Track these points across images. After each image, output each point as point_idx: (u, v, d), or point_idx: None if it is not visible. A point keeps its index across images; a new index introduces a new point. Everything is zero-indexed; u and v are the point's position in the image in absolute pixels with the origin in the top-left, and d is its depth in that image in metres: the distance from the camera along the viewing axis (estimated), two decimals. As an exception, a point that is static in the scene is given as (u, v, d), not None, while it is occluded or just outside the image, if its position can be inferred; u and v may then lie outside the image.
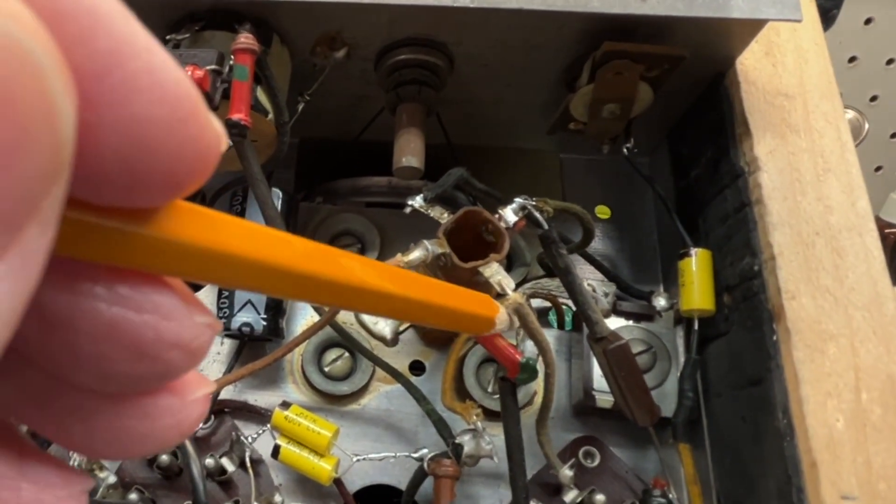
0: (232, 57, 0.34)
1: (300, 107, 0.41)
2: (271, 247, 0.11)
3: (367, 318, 0.43)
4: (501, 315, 0.19)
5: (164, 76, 0.08)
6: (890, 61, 0.88)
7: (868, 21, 0.85)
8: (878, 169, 0.95)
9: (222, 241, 0.10)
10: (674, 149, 0.45)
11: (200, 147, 0.09)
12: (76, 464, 0.39)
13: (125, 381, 0.10)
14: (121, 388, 0.10)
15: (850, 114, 0.91)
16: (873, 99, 0.91)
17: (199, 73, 0.33)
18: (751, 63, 0.37)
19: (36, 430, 0.10)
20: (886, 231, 0.87)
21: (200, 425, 0.39)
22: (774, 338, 0.31)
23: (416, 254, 0.33)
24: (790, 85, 0.36)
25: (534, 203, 0.35)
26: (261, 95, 0.37)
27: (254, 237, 0.11)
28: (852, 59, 0.87)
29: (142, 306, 0.10)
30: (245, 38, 0.34)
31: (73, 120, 0.08)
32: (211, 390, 0.12)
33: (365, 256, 0.14)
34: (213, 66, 0.33)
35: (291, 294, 0.12)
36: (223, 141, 0.10)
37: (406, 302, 0.14)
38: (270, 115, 0.37)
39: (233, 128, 0.33)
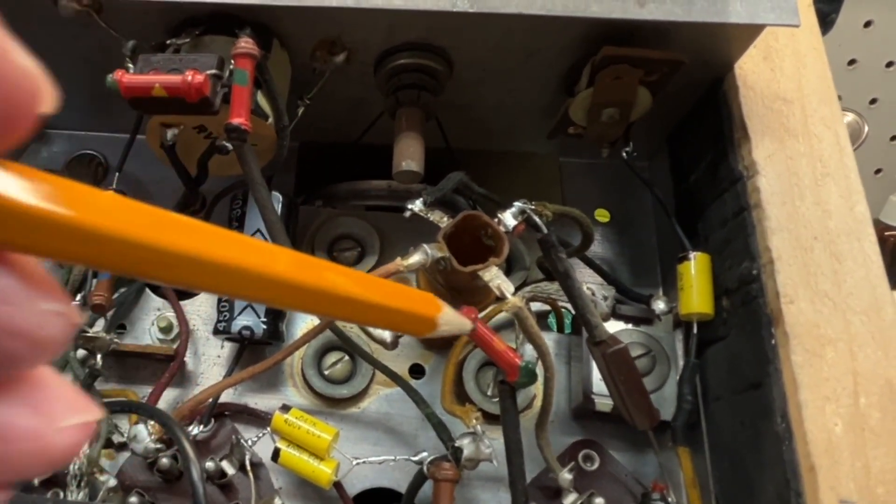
0: (232, 61, 0.34)
1: (300, 111, 0.41)
2: (113, 214, 0.09)
3: (366, 321, 0.43)
4: (446, 315, 0.18)
5: None
6: (889, 64, 0.88)
7: (868, 24, 0.85)
8: (877, 171, 0.95)
9: (65, 210, 0.09)
10: (673, 153, 0.45)
11: (5, 89, 0.08)
12: (75, 467, 0.40)
13: None
14: None
15: (850, 116, 0.91)
16: (873, 102, 0.91)
17: (200, 77, 0.33)
18: (749, 68, 0.37)
19: None
20: (886, 234, 0.87)
21: (201, 429, 0.40)
22: (773, 342, 0.31)
23: (415, 258, 0.33)
24: (788, 89, 0.36)
25: (533, 207, 0.35)
26: (261, 100, 0.37)
27: (116, 209, 0.09)
28: (852, 62, 0.88)
29: None
30: (245, 43, 0.34)
31: None
32: (90, 419, 0.10)
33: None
34: (213, 71, 0.33)
35: (156, 275, 0.10)
36: (37, 80, 0.08)
37: (323, 297, 0.13)
38: (270, 120, 0.37)
39: (233, 132, 0.34)
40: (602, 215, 0.48)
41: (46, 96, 0.09)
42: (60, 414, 0.10)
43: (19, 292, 0.09)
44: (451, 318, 0.17)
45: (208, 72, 0.33)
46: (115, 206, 0.09)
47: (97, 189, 0.09)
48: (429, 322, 0.16)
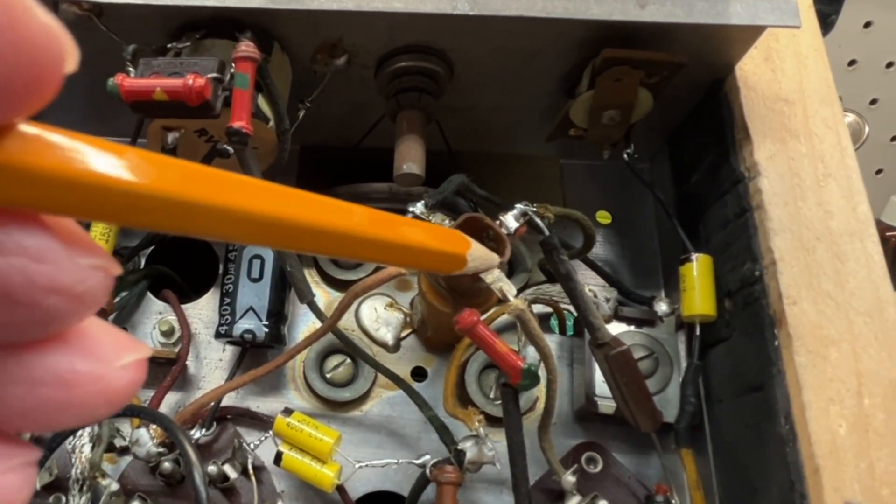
0: (233, 65, 0.34)
1: (301, 114, 0.41)
2: (147, 172, 0.09)
3: (369, 324, 0.43)
4: (475, 251, 0.18)
5: None
6: (889, 64, 0.88)
7: (867, 25, 0.85)
8: (878, 172, 0.95)
9: (82, 168, 0.09)
10: (674, 154, 0.45)
11: (21, 41, 0.08)
12: (77, 472, 0.40)
13: (2, 327, 0.09)
14: (1, 336, 0.09)
15: (851, 117, 0.91)
16: (873, 102, 0.91)
17: (201, 81, 0.33)
18: (750, 69, 0.37)
19: None
20: (888, 234, 0.87)
21: (203, 433, 0.40)
22: (776, 343, 0.31)
23: (417, 261, 0.33)
24: (790, 90, 0.36)
25: (535, 209, 0.35)
26: (262, 103, 0.37)
27: (129, 162, 0.09)
28: (852, 63, 0.88)
29: (4, 247, 0.09)
30: (246, 47, 0.34)
31: None
32: (143, 356, 0.11)
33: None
34: (214, 75, 0.33)
35: (185, 228, 0.10)
36: (59, 38, 0.08)
37: (359, 241, 0.13)
38: (271, 123, 0.37)
39: (234, 136, 0.34)
40: (603, 217, 0.48)
41: (70, 54, 0.09)
42: (115, 355, 0.10)
43: (58, 250, 0.09)
44: (479, 254, 0.17)
45: (209, 75, 0.33)
46: (178, 170, 0.10)
47: (160, 155, 0.10)
48: (459, 258, 0.17)
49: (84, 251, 0.09)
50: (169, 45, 0.36)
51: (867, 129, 0.93)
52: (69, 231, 0.09)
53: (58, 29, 0.08)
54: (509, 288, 0.32)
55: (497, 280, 0.32)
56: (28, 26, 0.08)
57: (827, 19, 0.42)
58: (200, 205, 0.10)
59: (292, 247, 0.12)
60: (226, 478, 0.38)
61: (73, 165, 0.09)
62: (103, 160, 0.09)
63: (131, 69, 0.35)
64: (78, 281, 0.09)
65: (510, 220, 0.34)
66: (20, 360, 0.10)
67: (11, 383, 0.10)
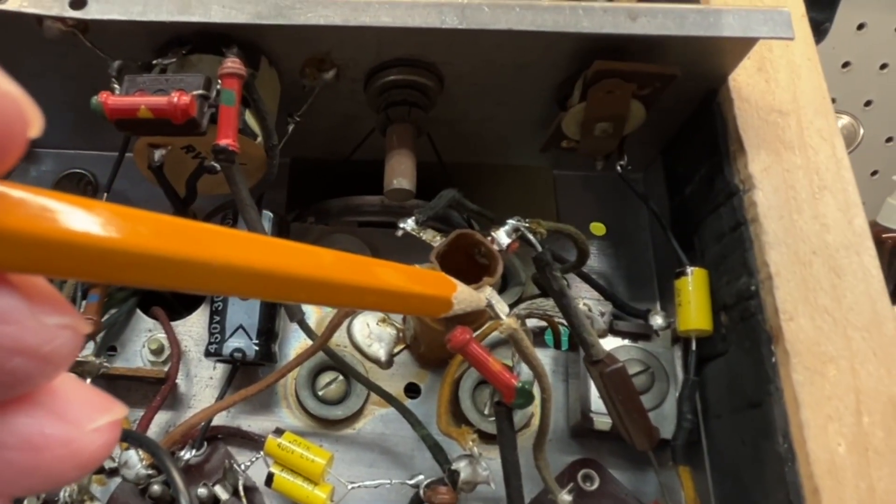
0: (219, 81, 0.34)
1: (290, 128, 0.40)
2: (119, 227, 0.09)
3: (361, 340, 0.43)
4: (461, 293, 0.18)
5: None
6: (883, 66, 0.88)
7: (861, 26, 0.85)
8: (873, 173, 0.95)
9: (50, 226, 0.09)
10: (668, 165, 0.44)
11: None
12: (65, 494, 0.39)
13: None
14: None
15: (845, 119, 0.91)
16: (868, 104, 0.91)
17: (186, 98, 0.32)
18: (743, 79, 0.37)
19: None
20: (884, 236, 0.86)
21: (194, 453, 0.39)
22: (773, 360, 0.31)
23: (408, 279, 0.33)
24: (784, 101, 0.36)
25: (527, 225, 0.34)
26: (249, 119, 0.36)
27: (109, 220, 0.09)
28: (846, 65, 0.87)
29: None
30: (232, 63, 0.33)
31: None
32: (117, 417, 0.11)
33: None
34: (199, 92, 0.33)
35: (156, 282, 0.10)
36: (28, 112, 0.08)
37: (331, 287, 0.13)
38: (259, 139, 0.37)
39: (220, 154, 0.33)
40: (597, 228, 0.47)
41: (34, 120, 0.09)
42: (87, 417, 0.10)
43: (22, 310, 0.09)
44: (465, 297, 0.17)
45: (195, 92, 0.33)
46: (150, 224, 0.10)
47: (130, 209, 0.10)
48: (444, 302, 0.17)
49: (51, 310, 0.09)
50: (154, 62, 0.36)
51: (862, 130, 0.93)
52: (36, 288, 0.09)
53: (22, 97, 0.08)
54: (501, 306, 0.32)
55: (489, 298, 0.32)
56: None
57: (820, 27, 0.42)
58: (173, 259, 0.10)
59: (264, 296, 0.12)
60: (216, 500, 0.38)
61: (41, 224, 0.08)
62: (73, 217, 0.09)
63: (116, 86, 0.34)
64: (44, 341, 0.09)
65: (502, 236, 0.34)
66: None
67: None
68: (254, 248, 0.11)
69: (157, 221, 0.10)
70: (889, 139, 0.95)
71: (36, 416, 0.10)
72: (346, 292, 0.13)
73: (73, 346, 0.10)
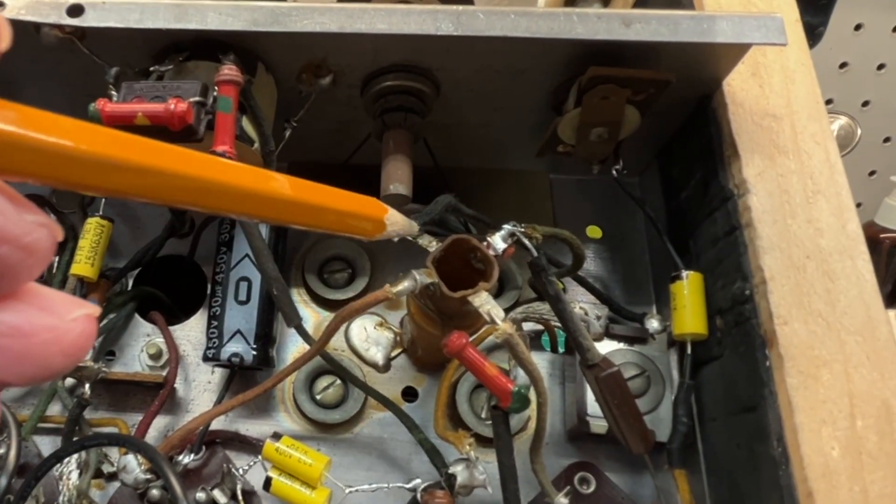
0: (216, 88, 0.34)
1: (287, 133, 0.40)
2: (80, 135, 0.11)
3: (359, 344, 0.43)
4: (392, 216, 0.19)
5: None
6: (881, 66, 0.88)
7: (858, 27, 0.85)
8: (871, 174, 0.95)
9: (32, 135, 0.10)
10: (663, 169, 0.44)
11: None
12: (64, 499, 0.39)
13: None
14: None
15: (843, 120, 0.91)
16: (865, 104, 0.91)
17: (183, 105, 0.32)
18: (738, 84, 0.37)
19: None
20: (882, 236, 0.86)
21: (192, 458, 0.39)
22: (767, 364, 0.31)
23: (404, 284, 0.33)
24: (777, 106, 0.36)
25: (523, 230, 0.35)
26: (246, 125, 0.36)
27: (68, 129, 0.10)
28: (843, 65, 0.88)
29: None
30: (228, 70, 0.34)
31: None
32: (93, 312, 0.12)
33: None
34: (196, 98, 0.33)
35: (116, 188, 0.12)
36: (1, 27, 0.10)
37: (282, 203, 0.14)
38: (256, 145, 0.37)
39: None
40: (594, 232, 0.47)
41: (4, 35, 0.10)
42: (66, 310, 0.11)
43: (6, 205, 0.10)
44: (397, 219, 0.18)
45: (192, 99, 0.33)
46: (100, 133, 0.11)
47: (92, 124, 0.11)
48: (377, 222, 0.17)
49: (29, 209, 0.10)
50: (151, 68, 0.36)
51: (859, 131, 0.93)
52: (14, 194, 0.10)
53: None
54: (497, 311, 0.32)
55: (485, 303, 0.32)
56: None
57: (815, 31, 0.42)
58: (124, 164, 0.11)
59: (208, 206, 0.13)
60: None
61: (23, 132, 0.10)
62: (45, 126, 0.10)
63: (113, 92, 0.35)
64: (25, 232, 0.10)
65: (498, 241, 0.34)
66: None
67: None
68: (201, 163, 0.13)
69: (117, 135, 0.11)
70: (887, 139, 0.95)
71: (22, 309, 0.11)
72: (285, 207, 0.14)
73: (51, 244, 0.11)
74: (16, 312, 0.11)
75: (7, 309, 0.11)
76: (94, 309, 0.12)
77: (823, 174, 0.34)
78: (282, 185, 0.14)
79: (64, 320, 0.11)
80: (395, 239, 0.19)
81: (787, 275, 0.32)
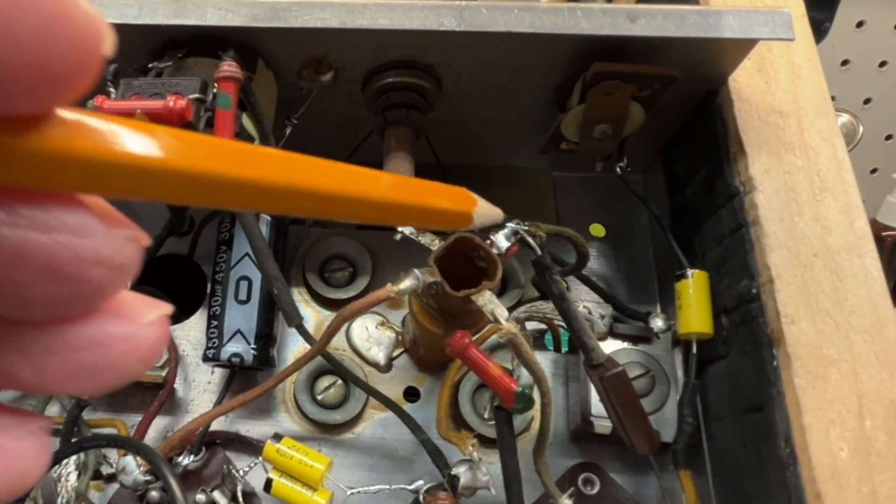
0: (216, 85, 0.33)
1: (288, 130, 0.40)
2: (177, 150, 0.10)
3: (360, 344, 0.43)
4: (481, 208, 0.18)
5: None
6: (883, 63, 0.87)
7: (860, 24, 0.85)
8: (873, 171, 0.95)
9: (117, 151, 0.09)
10: (668, 166, 0.44)
11: (68, 30, 0.08)
12: (63, 501, 0.39)
13: (49, 305, 0.10)
14: (48, 313, 0.10)
15: (845, 117, 0.91)
16: (867, 101, 0.91)
17: (182, 102, 0.32)
18: (743, 80, 0.36)
19: None
20: (884, 234, 0.86)
21: (192, 459, 0.39)
22: (774, 364, 0.31)
23: (406, 283, 0.32)
24: (784, 102, 0.36)
25: (526, 228, 0.34)
26: (246, 122, 0.36)
27: (168, 143, 0.10)
28: (845, 63, 0.87)
29: (49, 225, 0.09)
30: (228, 67, 0.33)
31: None
32: (166, 312, 0.12)
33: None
34: (196, 95, 0.33)
35: (207, 200, 0.11)
36: (100, 26, 0.09)
37: (366, 204, 0.13)
38: (256, 142, 0.37)
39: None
40: (597, 230, 0.47)
41: (108, 39, 0.09)
42: (140, 314, 0.11)
43: (97, 225, 0.10)
44: (485, 211, 0.17)
45: (191, 96, 0.32)
46: (201, 144, 0.10)
47: (186, 131, 0.11)
48: (465, 217, 0.17)
49: (118, 224, 0.10)
50: (150, 65, 0.35)
51: (861, 128, 0.93)
52: (102, 207, 0.10)
53: (98, 15, 0.09)
54: (501, 311, 0.31)
55: (488, 303, 0.32)
56: (73, 15, 0.08)
57: (820, 27, 0.41)
58: (226, 178, 0.11)
59: (291, 211, 0.13)
60: (215, 505, 0.37)
61: (112, 148, 0.09)
62: (138, 141, 0.10)
63: (112, 89, 0.34)
64: (116, 251, 0.10)
65: (501, 240, 0.34)
66: (56, 331, 0.10)
67: (50, 353, 0.10)
68: (300, 168, 0.12)
69: (213, 143, 0.11)
70: (889, 137, 0.95)
71: (99, 319, 0.11)
72: (361, 206, 0.13)
73: (138, 257, 0.10)
74: (93, 323, 0.11)
75: (85, 320, 0.11)
76: (167, 308, 0.12)
77: (831, 171, 0.34)
78: (385, 185, 0.13)
79: (140, 326, 0.11)
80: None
81: (794, 273, 0.32)
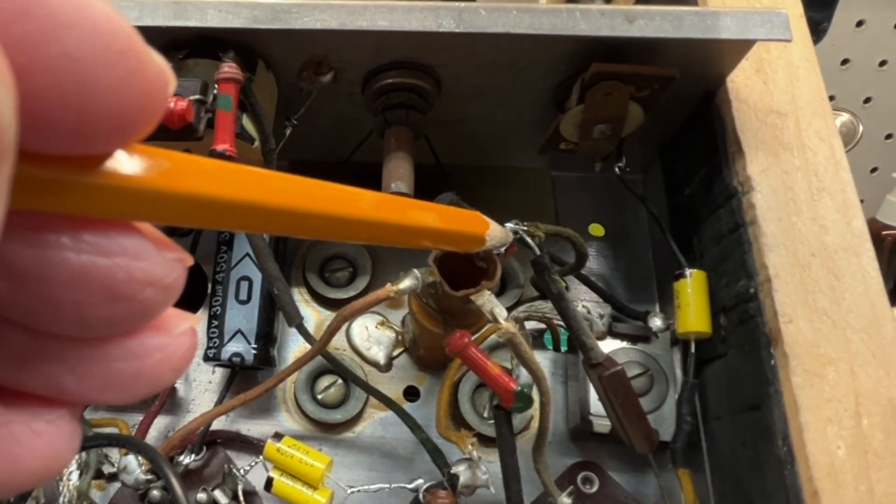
0: (216, 86, 0.34)
1: (288, 131, 0.40)
2: (235, 183, 0.11)
3: (360, 343, 0.43)
4: (493, 231, 0.18)
5: (91, 11, 0.08)
6: (882, 63, 0.88)
7: (860, 23, 0.85)
8: (873, 170, 0.95)
9: (182, 183, 0.10)
10: (667, 166, 0.44)
11: (143, 82, 0.09)
12: (65, 500, 0.39)
13: (105, 324, 0.10)
14: (102, 331, 0.11)
15: (845, 116, 0.91)
16: (867, 101, 0.91)
17: (183, 104, 0.32)
18: (742, 80, 0.37)
19: (24, 387, 0.11)
20: (884, 233, 0.86)
21: (193, 458, 0.39)
22: (772, 363, 0.31)
23: (406, 283, 0.33)
24: (782, 102, 0.36)
25: (525, 228, 0.34)
26: (246, 123, 0.36)
27: (218, 175, 0.11)
28: (845, 62, 0.87)
29: (110, 250, 0.10)
30: (228, 68, 0.33)
31: (12, 103, 0.08)
32: (195, 322, 0.12)
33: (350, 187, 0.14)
34: (196, 97, 0.33)
35: (260, 227, 0.12)
36: (169, 76, 0.10)
37: (382, 227, 0.14)
38: (257, 143, 0.37)
39: (218, 158, 0.33)
40: (596, 230, 0.47)
41: (173, 84, 0.10)
42: (173, 325, 0.12)
43: (150, 248, 0.10)
44: (496, 233, 0.18)
45: (191, 97, 0.33)
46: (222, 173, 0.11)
47: (201, 158, 0.11)
48: (477, 239, 0.17)
49: (167, 247, 0.11)
50: (151, 66, 0.36)
51: (861, 128, 0.93)
52: (153, 232, 0.11)
53: (166, 66, 0.10)
54: (500, 310, 0.32)
55: (487, 302, 0.32)
56: (149, 69, 0.09)
57: (819, 26, 0.41)
58: (218, 201, 0.11)
59: (307, 234, 0.13)
60: (216, 504, 0.38)
61: (168, 182, 0.10)
62: (193, 176, 0.10)
63: (112, 91, 0.34)
64: (167, 273, 0.11)
65: (500, 240, 0.34)
66: (102, 343, 0.11)
67: (90, 364, 0.11)
68: (297, 191, 0.13)
69: (260, 175, 0.12)
70: (888, 136, 0.95)
71: (142, 333, 0.11)
72: (381, 230, 0.14)
73: (184, 277, 0.11)
74: (133, 337, 0.11)
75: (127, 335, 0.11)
76: (196, 319, 0.12)
77: (828, 171, 0.34)
78: (367, 206, 0.14)
79: (173, 336, 0.12)
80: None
81: (791, 272, 0.32)
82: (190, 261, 0.11)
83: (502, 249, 0.34)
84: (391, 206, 0.14)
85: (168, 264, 0.11)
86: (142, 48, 0.09)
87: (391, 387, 0.42)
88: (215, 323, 0.40)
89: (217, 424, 0.40)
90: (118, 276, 0.10)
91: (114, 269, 0.10)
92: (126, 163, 0.10)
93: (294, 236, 0.13)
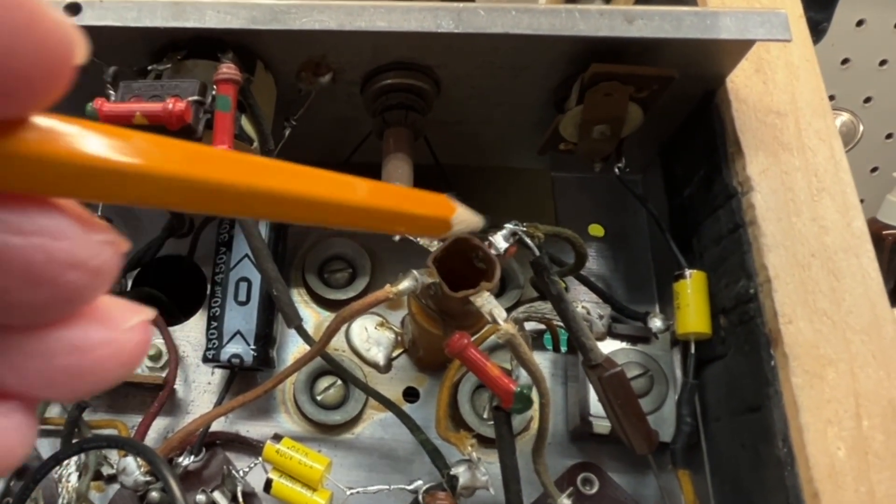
0: (215, 87, 0.33)
1: (287, 132, 0.40)
2: (151, 154, 0.10)
3: (359, 344, 0.43)
4: (460, 215, 0.17)
5: None
6: (883, 62, 0.87)
7: (860, 23, 0.85)
8: (873, 170, 0.95)
9: (89, 154, 0.09)
10: (666, 166, 0.44)
11: (44, 42, 0.09)
12: (64, 501, 0.39)
13: (30, 310, 0.10)
14: (30, 318, 0.10)
15: (845, 116, 0.91)
16: (867, 100, 0.91)
17: (181, 105, 0.32)
18: (741, 80, 0.36)
19: None
20: (884, 233, 0.86)
21: (192, 459, 0.39)
22: (772, 363, 0.31)
23: (405, 284, 0.32)
24: (782, 102, 0.36)
25: (524, 229, 0.34)
26: (245, 124, 0.36)
27: (134, 146, 0.10)
28: (845, 61, 0.87)
29: (24, 229, 0.09)
30: (227, 69, 0.33)
31: None
32: (147, 317, 0.12)
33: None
34: (195, 98, 0.33)
35: (186, 206, 0.11)
36: (70, 32, 0.09)
37: (343, 210, 0.13)
38: (255, 144, 0.37)
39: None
40: (596, 230, 0.47)
41: (80, 48, 0.09)
42: (121, 319, 0.11)
43: (73, 228, 0.10)
44: (464, 217, 0.17)
45: (190, 98, 0.33)
46: (180, 151, 0.10)
47: (161, 136, 0.10)
48: (443, 224, 0.16)
49: (95, 228, 0.10)
50: (150, 67, 0.36)
51: (861, 127, 0.93)
52: (78, 211, 0.10)
53: (69, 25, 0.09)
54: (499, 311, 0.32)
55: (486, 303, 0.32)
56: (43, 23, 0.09)
57: (818, 27, 0.41)
58: (200, 182, 0.11)
59: (271, 217, 0.13)
60: (215, 506, 0.37)
61: (85, 152, 0.09)
62: (111, 145, 0.10)
63: (111, 92, 0.34)
64: (93, 255, 0.10)
65: (500, 241, 0.34)
66: (37, 336, 0.10)
67: (30, 358, 0.10)
68: (275, 174, 0.12)
69: (187, 148, 0.11)
70: (889, 136, 0.95)
71: (81, 325, 0.11)
72: (337, 211, 0.13)
73: (116, 262, 0.10)
74: (73, 328, 0.11)
75: (65, 325, 0.11)
76: (149, 314, 0.12)
77: (828, 171, 0.34)
78: (361, 192, 0.13)
79: (121, 331, 0.11)
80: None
81: (791, 273, 0.32)
82: (124, 245, 0.11)
83: (502, 250, 0.34)
84: (345, 185, 0.13)
85: (95, 246, 0.10)
86: (43, 11, 0.09)
87: (390, 388, 0.42)
88: (214, 324, 0.40)
89: (216, 426, 0.40)
90: (36, 258, 0.09)
91: (30, 250, 0.09)
92: (36, 131, 0.09)
93: (222, 214, 0.12)
